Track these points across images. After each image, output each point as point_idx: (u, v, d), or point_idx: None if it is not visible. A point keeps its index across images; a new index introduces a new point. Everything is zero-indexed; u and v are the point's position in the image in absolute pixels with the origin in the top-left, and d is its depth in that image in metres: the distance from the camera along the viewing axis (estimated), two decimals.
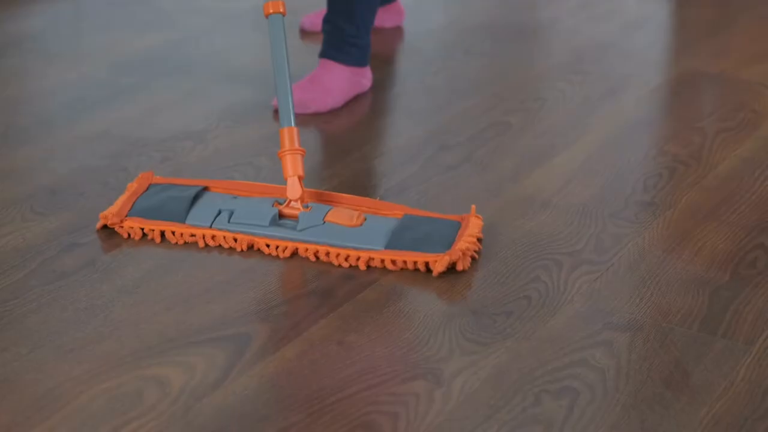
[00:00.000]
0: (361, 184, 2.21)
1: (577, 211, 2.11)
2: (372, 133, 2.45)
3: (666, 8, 3.29)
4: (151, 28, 3.00)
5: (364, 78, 2.59)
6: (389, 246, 1.91)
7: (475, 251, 1.93)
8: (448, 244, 1.91)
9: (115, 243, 1.98)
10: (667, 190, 2.20)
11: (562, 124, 2.49)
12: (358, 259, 1.90)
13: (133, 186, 2.09)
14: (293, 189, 1.97)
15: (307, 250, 1.93)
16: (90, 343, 1.69)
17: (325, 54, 2.55)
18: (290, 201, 1.98)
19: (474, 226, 1.97)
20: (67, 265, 1.90)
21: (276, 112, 2.50)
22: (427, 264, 1.89)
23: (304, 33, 2.95)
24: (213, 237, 1.96)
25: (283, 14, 2.07)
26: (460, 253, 1.88)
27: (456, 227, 1.97)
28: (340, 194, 2.06)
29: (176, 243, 1.97)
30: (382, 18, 2.99)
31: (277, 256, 1.93)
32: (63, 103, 2.54)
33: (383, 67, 2.79)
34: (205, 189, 2.08)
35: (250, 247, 1.95)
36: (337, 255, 1.91)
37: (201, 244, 1.96)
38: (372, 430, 1.52)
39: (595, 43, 2.95)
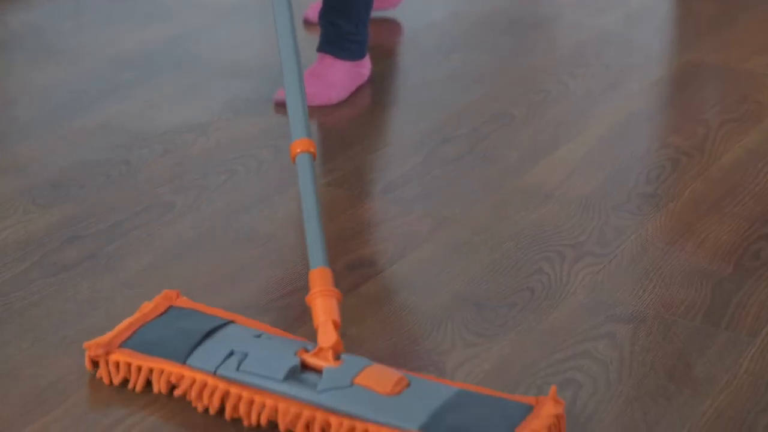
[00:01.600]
0: (363, 176, 2.20)
1: (580, 204, 2.11)
2: (374, 125, 2.44)
3: (668, 0, 3.28)
4: (152, 22, 2.99)
5: (363, 68, 2.58)
6: (425, 427, 1.45)
7: None
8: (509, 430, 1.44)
9: (117, 235, 1.97)
10: (670, 182, 2.19)
11: (564, 116, 2.48)
12: None
13: (147, 307, 1.69)
14: (326, 336, 1.55)
15: (314, 419, 1.49)
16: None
17: (323, 49, 2.55)
18: (321, 350, 1.55)
19: (546, 417, 1.45)
20: (69, 258, 1.90)
21: (277, 105, 2.50)
22: None
23: (308, 24, 2.94)
24: (206, 386, 1.55)
25: (314, 156, 1.73)
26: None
27: (523, 413, 1.47)
28: (380, 364, 1.58)
29: (160, 393, 1.58)
30: (376, 2, 2.98)
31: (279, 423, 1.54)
32: (64, 96, 2.54)
33: (385, 59, 2.78)
34: (230, 323, 1.67)
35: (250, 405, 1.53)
36: (353, 429, 1.47)
37: (191, 398, 1.55)
38: None
39: (598, 36, 2.94)
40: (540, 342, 1.70)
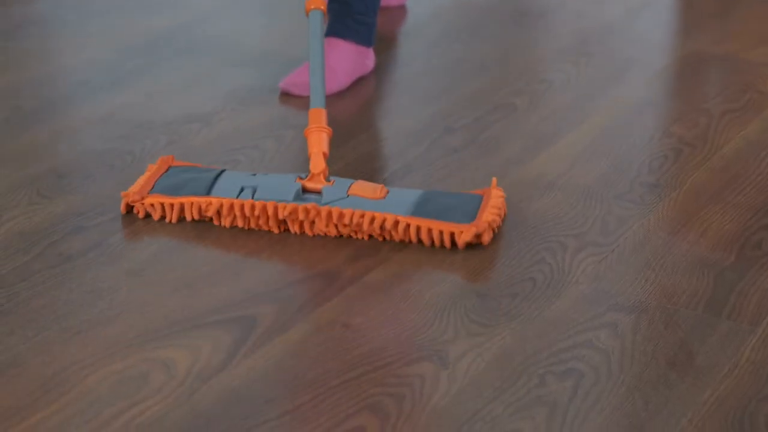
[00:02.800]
0: (367, 166, 2.21)
1: (582, 193, 2.11)
2: (377, 115, 2.45)
3: None
4: (157, 10, 3.00)
5: (367, 59, 2.58)
6: (415, 213, 1.92)
7: (497, 225, 1.95)
8: (473, 216, 1.92)
9: (121, 226, 1.98)
10: (672, 171, 2.20)
11: (567, 106, 2.49)
12: (383, 221, 1.90)
13: (153, 167, 2.08)
14: (317, 163, 1.98)
15: (330, 214, 1.92)
16: (96, 326, 1.70)
17: (331, 31, 2.54)
18: (313, 175, 1.98)
19: (496, 198, 1.98)
20: (74, 249, 1.91)
21: (283, 94, 2.50)
22: (452, 235, 1.91)
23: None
24: (238, 206, 1.94)
25: (324, 11, 2.15)
26: (486, 225, 1.90)
27: (478, 200, 1.98)
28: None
29: (199, 218, 1.98)
30: None
31: (300, 228, 1.95)
32: (68, 86, 2.55)
33: (388, 49, 2.78)
34: (225, 170, 2.07)
35: (276, 216, 1.94)
36: (362, 216, 1.91)
37: (225, 218, 1.96)
38: (378, 412, 1.53)
39: (601, 25, 2.94)
40: (542, 332, 1.71)
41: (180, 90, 2.54)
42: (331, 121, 2.42)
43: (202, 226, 1.99)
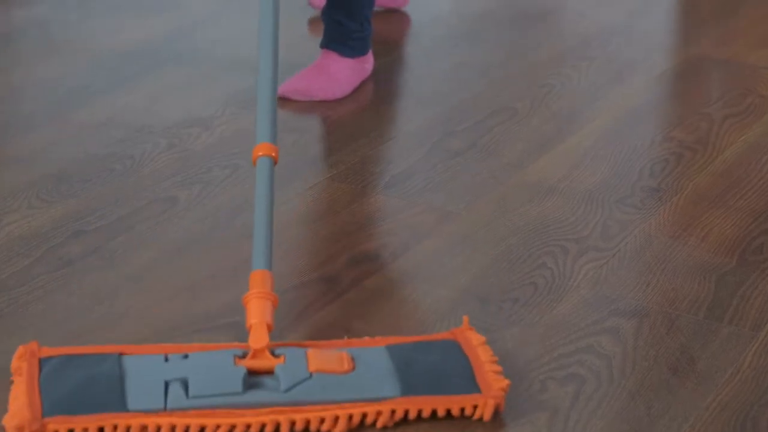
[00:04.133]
0: (367, 170, 2.21)
1: (584, 197, 2.11)
2: (378, 119, 2.44)
3: None
4: (155, 14, 2.99)
5: (366, 63, 2.58)
6: (406, 391, 1.52)
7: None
8: (470, 378, 1.55)
9: (121, 230, 1.98)
10: (673, 176, 2.19)
11: (568, 109, 2.48)
12: (378, 414, 1.50)
13: (21, 368, 1.54)
14: (258, 337, 1.55)
15: (308, 421, 1.49)
16: (95, 331, 1.70)
17: (327, 46, 2.54)
18: (255, 352, 1.55)
19: (480, 347, 1.62)
20: (73, 253, 1.90)
21: (281, 99, 2.50)
22: (462, 411, 1.53)
23: (313, 21, 2.93)
24: (176, 427, 1.46)
25: (275, 159, 1.74)
26: (502, 393, 1.52)
27: (457, 349, 1.61)
28: (299, 342, 1.63)
29: None
30: None
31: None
32: (68, 90, 2.54)
33: (389, 52, 2.78)
34: (120, 355, 1.58)
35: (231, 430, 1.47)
36: (350, 416, 1.50)
37: None
38: None
39: (602, 29, 2.94)
40: (543, 337, 1.70)
41: (180, 94, 2.54)
42: (332, 125, 2.41)
43: (201, 233, 1.98)
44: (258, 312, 1.57)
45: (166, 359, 1.56)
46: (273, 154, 1.72)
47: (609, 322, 1.74)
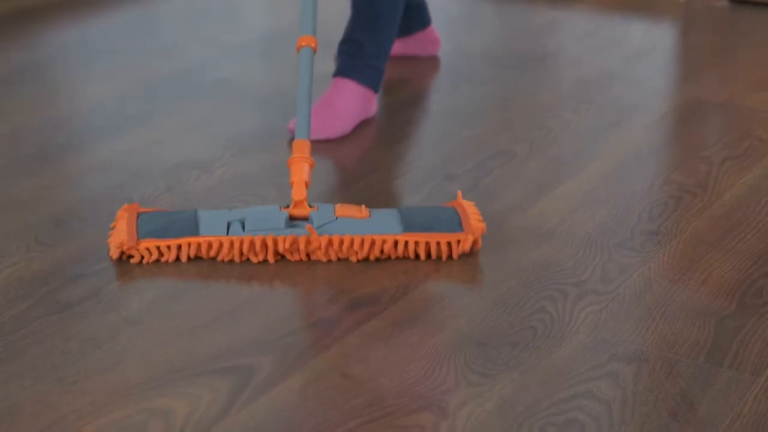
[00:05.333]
0: None
1: (583, 241, 2.11)
2: (378, 161, 2.45)
3: (671, 36, 3.30)
4: (157, 56, 3.01)
5: (372, 104, 2.59)
6: (407, 229, 2.01)
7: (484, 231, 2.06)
8: (458, 223, 2.04)
9: (119, 273, 1.98)
10: (673, 219, 2.20)
11: (567, 152, 2.49)
12: (383, 243, 1.99)
13: (123, 214, 2.08)
14: (298, 191, 2.03)
15: (330, 242, 1.99)
16: (94, 375, 1.69)
17: (340, 71, 2.55)
18: (296, 202, 2.04)
19: (470, 206, 2.10)
20: (72, 296, 1.90)
21: (291, 136, 2.51)
22: (449, 245, 2.01)
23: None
24: (237, 244, 1.99)
25: (314, 50, 2.18)
26: (480, 231, 2.02)
27: (452, 210, 2.09)
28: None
29: (196, 257, 2.00)
30: (415, 46, 2.99)
31: (301, 259, 2.00)
32: (68, 132, 2.55)
33: (389, 94, 2.79)
34: (198, 210, 2.10)
35: (274, 252, 1.99)
36: (362, 242, 1.99)
37: (224, 254, 1.99)
38: None
39: (601, 72, 2.95)
40: (542, 381, 1.70)
41: (180, 136, 2.54)
42: (332, 168, 2.42)
43: (199, 270, 1.98)
44: (299, 172, 2.05)
45: (231, 209, 2.06)
46: (313, 45, 2.18)
47: (608, 367, 1.73)
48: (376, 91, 2.58)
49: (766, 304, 1.91)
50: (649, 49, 3.13)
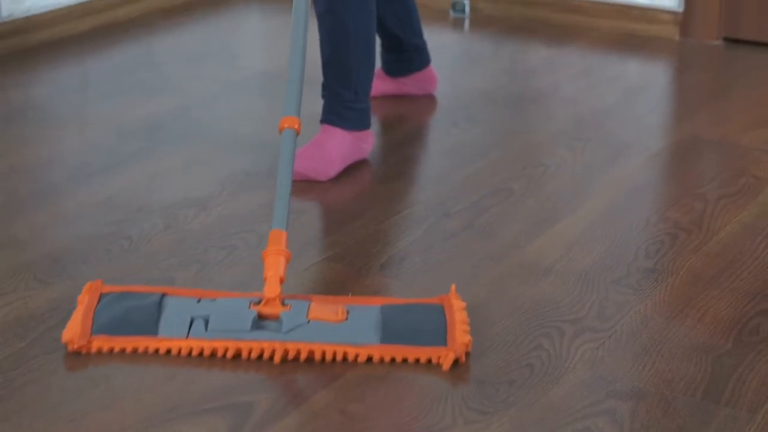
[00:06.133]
0: (363, 251, 2.21)
1: (580, 278, 2.11)
2: (374, 200, 2.45)
3: (666, 74, 3.32)
4: (156, 94, 3.02)
5: (365, 142, 2.60)
6: (385, 340, 1.84)
7: (470, 343, 1.85)
8: (442, 334, 1.85)
9: None
10: (669, 256, 2.20)
11: (563, 190, 2.50)
12: (356, 356, 1.81)
13: (84, 299, 1.93)
14: (272, 287, 1.87)
15: (299, 351, 1.81)
16: (91, 413, 1.69)
17: (325, 120, 2.57)
18: (268, 300, 1.88)
19: (459, 311, 1.91)
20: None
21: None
22: (429, 361, 1.82)
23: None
24: (192, 349, 1.83)
25: (297, 131, 2.07)
26: (463, 348, 1.82)
27: (440, 313, 1.90)
28: (312, 295, 1.98)
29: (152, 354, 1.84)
30: (413, 86, 3.00)
31: (270, 359, 1.81)
32: (67, 170, 2.56)
33: (386, 133, 2.80)
34: (164, 295, 1.95)
35: (237, 355, 1.82)
36: (334, 353, 1.82)
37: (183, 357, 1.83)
38: None
39: (596, 110, 2.96)
40: (540, 419, 1.70)
41: (178, 174, 2.55)
42: (328, 206, 2.43)
43: None
44: (273, 266, 1.89)
45: (198, 301, 1.91)
46: (296, 126, 2.06)
47: (606, 404, 1.73)
48: (365, 128, 2.59)
49: (763, 342, 1.91)
50: (644, 88, 3.14)
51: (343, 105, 2.54)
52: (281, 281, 1.88)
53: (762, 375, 1.82)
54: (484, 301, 2.03)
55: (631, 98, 3.05)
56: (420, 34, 2.95)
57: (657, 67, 3.35)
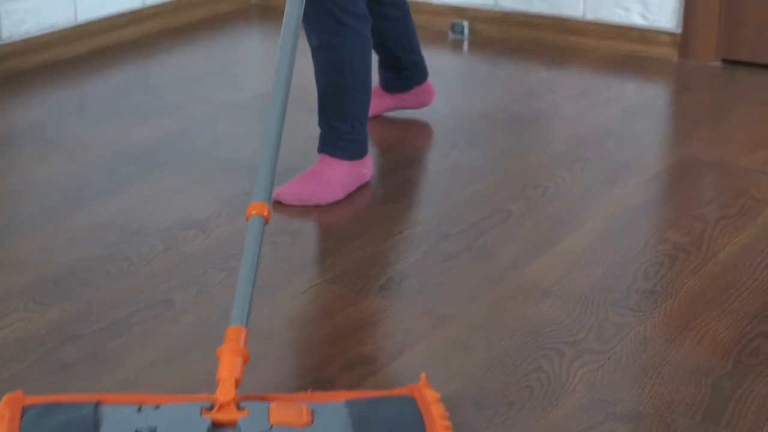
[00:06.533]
0: (362, 273, 2.21)
1: (579, 300, 2.11)
2: (373, 221, 2.45)
3: (665, 95, 3.32)
4: (156, 116, 3.02)
5: (364, 168, 2.60)
6: None
7: None
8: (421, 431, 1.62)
9: (117, 333, 1.97)
10: (668, 278, 2.20)
11: (563, 211, 2.50)
12: None
13: (4, 415, 1.63)
14: (225, 390, 1.63)
15: None
16: None
17: (322, 150, 2.57)
18: (221, 405, 1.62)
19: (434, 404, 1.67)
20: (69, 357, 1.90)
21: (275, 203, 2.51)
22: None
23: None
24: None
25: (267, 220, 1.84)
26: None
27: (413, 405, 1.68)
28: (265, 395, 1.71)
29: None
30: (412, 100, 3.01)
31: None
32: (66, 192, 2.56)
33: (384, 155, 2.80)
34: (98, 404, 1.66)
35: None
36: None
37: None
38: None
39: (595, 131, 2.97)
40: None
41: (176, 196, 2.55)
42: (328, 227, 2.43)
43: (197, 336, 1.98)
44: (228, 366, 1.65)
45: (140, 410, 1.62)
46: (265, 213, 1.83)
47: (605, 426, 1.73)
48: (362, 157, 2.59)
49: (762, 364, 1.91)
50: (643, 109, 3.15)
51: (339, 137, 2.54)
52: (237, 384, 1.64)
53: (762, 397, 1.81)
54: (482, 323, 2.03)
55: (630, 119, 3.05)
56: (418, 51, 2.95)
57: (656, 88, 3.36)
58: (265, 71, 3.40)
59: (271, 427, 1.60)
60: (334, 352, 1.93)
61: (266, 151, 1.89)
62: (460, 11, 3.76)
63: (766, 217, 2.47)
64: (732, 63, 3.52)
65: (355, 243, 2.34)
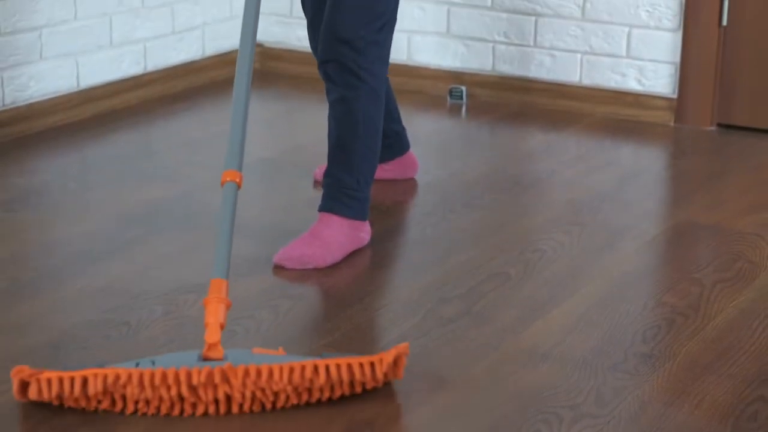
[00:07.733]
0: (362, 337, 2.22)
1: (577, 364, 2.12)
2: (372, 285, 2.46)
3: (661, 159, 3.35)
4: (156, 180, 3.04)
5: (362, 232, 2.61)
6: (324, 358, 1.94)
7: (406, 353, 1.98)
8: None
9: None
10: (666, 341, 2.21)
11: (561, 275, 2.51)
12: (302, 368, 1.89)
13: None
14: (212, 333, 1.96)
15: (247, 372, 1.89)
16: None
17: (324, 207, 2.58)
18: (209, 345, 1.96)
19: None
20: (69, 421, 1.90)
21: (276, 267, 2.52)
22: (372, 365, 1.94)
23: (318, 183, 2.98)
24: (147, 376, 1.88)
25: (239, 185, 2.14)
26: (403, 348, 1.96)
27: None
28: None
29: (102, 391, 1.89)
30: (394, 171, 3.03)
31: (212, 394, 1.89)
32: (67, 256, 2.57)
33: (383, 218, 2.82)
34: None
35: (189, 386, 1.88)
36: (280, 370, 1.89)
37: (132, 389, 1.89)
38: None
39: (592, 195, 2.99)
40: None
41: (177, 260, 2.56)
42: (327, 291, 2.44)
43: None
44: (214, 313, 1.98)
45: (137, 364, 1.93)
46: (237, 180, 2.13)
47: None
48: (363, 219, 2.60)
49: (761, 428, 1.91)
50: (639, 173, 3.17)
51: (343, 192, 2.56)
52: (222, 327, 1.97)
53: None
54: (481, 388, 2.03)
55: (627, 183, 3.08)
56: (399, 121, 2.98)
57: (652, 152, 3.38)
58: (264, 136, 3.42)
59: (253, 354, 1.94)
60: (332, 414, 1.93)
61: (235, 123, 2.16)
62: (458, 76, 3.79)
63: (763, 281, 2.48)
64: (727, 127, 3.56)
65: (355, 307, 2.35)
